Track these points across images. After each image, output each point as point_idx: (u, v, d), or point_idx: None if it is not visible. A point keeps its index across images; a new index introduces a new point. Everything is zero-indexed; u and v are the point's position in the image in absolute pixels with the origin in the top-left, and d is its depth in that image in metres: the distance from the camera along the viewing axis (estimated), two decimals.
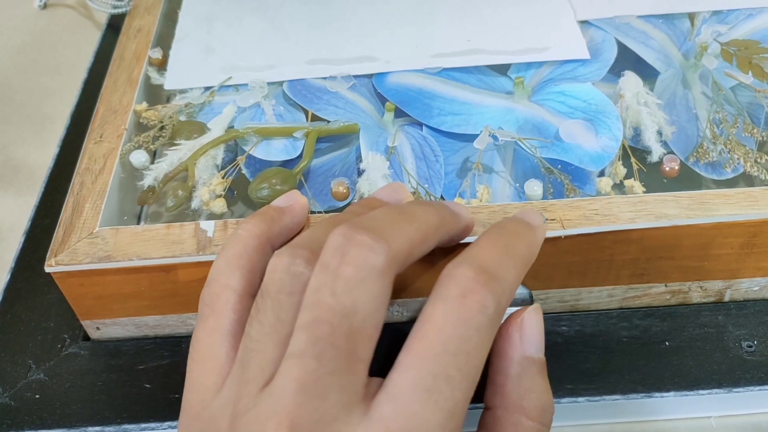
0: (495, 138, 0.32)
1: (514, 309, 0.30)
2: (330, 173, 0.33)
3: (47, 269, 0.27)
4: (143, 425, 0.28)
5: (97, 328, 0.30)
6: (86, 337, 0.31)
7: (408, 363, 0.20)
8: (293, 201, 0.27)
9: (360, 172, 0.32)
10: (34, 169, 0.41)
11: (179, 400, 0.25)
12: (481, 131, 0.32)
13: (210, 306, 0.23)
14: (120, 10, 0.47)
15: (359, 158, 0.33)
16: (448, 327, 0.20)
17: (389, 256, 0.21)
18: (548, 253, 0.28)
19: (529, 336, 0.24)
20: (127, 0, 0.45)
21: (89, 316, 0.30)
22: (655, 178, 0.31)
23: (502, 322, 0.24)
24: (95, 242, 0.28)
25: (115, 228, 0.28)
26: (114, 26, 0.47)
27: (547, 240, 0.27)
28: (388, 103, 0.34)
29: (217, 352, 0.23)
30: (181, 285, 0.28)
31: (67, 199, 0.30)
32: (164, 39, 0.39)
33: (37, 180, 0.39)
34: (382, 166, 0.31)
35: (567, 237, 0.27)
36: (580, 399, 0.28)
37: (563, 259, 0.29)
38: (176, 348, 0.30)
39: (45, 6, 0.52)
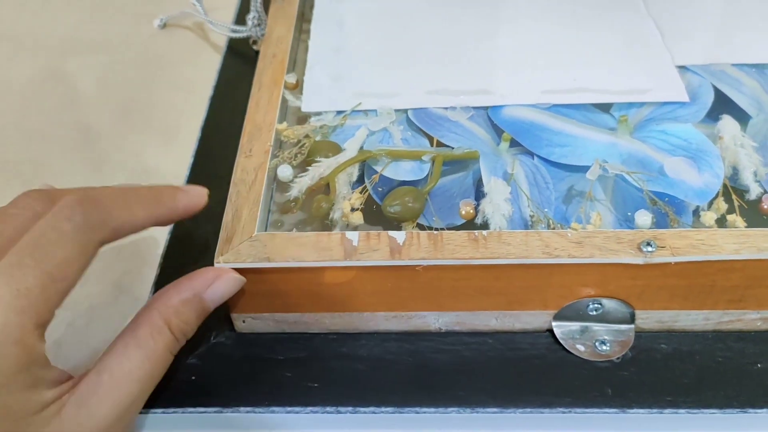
0: (605, 170, 0.35)
1: (614, 326, 0.34)
2: (449, 193, 0.36)
3: (216, 265, 0.31)
4: (288, 409, 0.31)
5: (243, 321, 0.34)
6: (230, 329, 0.35)
7: None
8: None
9: (480, 194, 0.35)
10: (167, 176, 0.45)
11: (318, 389, 0.31)
12: (592, 164, 0.35)
13: None
14: (240, 35, 0.51)
15: (476, 181, 0.36)
16: (34, 231, 0.26)
17: None
18: (655, 275, 0.31)
19: (217, 286, 0.30)
20: (250, 25, 0.50)
21: (239, 310, 0.33)
22: (752, 214, 0.34)
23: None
24: (255, 245, 0.31)
25: (271, 233, 0.32)
26: (234, 49, 0.52)
27: (656, 265, 0.31)
28: (504, 134, 0.37)
29: None
30: (325, 287, 0.32)
31: (227, 206, 0.33)
32: (294, 64, 0.43)
33: None
34: (504, 190, 0.34)
35: (676, 263, 0.31)
36: (681, 411, 0.31)
37: (668, 283, 0.32)
38: (309, 343, 0.34)
39: (164, 26, 0.57)
